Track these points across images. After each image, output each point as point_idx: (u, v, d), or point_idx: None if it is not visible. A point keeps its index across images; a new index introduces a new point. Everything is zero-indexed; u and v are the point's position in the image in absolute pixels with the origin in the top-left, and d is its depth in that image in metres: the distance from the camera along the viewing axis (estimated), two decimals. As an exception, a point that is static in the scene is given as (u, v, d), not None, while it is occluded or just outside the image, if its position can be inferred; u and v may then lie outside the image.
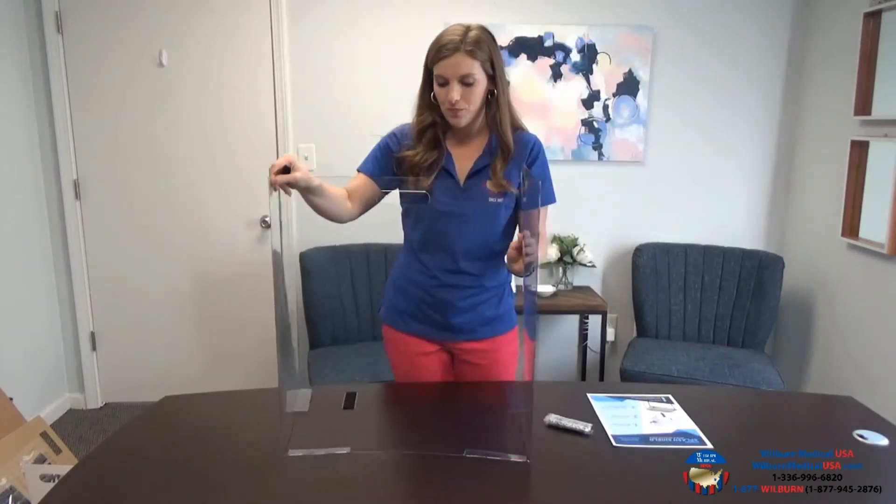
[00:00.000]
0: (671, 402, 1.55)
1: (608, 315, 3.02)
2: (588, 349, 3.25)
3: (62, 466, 1.91)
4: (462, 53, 1.46)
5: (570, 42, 3.02)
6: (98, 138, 3.03)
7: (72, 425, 3.05)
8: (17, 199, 2.88)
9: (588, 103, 3.07)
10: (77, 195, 3.06)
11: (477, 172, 1.59)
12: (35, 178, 2.99)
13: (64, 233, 3.07)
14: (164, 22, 2.95)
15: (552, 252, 3.08)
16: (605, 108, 3.08)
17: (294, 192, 1.37)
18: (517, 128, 1.62)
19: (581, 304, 3.00)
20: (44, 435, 2.13)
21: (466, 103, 1.50)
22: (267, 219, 3.11)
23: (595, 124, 3.09)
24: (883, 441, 1.37)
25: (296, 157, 1.36)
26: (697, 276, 3.03)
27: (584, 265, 3.11)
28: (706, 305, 3.01)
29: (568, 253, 3.08)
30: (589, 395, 1.58)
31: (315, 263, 2.89)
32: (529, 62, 3.03)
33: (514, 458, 1.28)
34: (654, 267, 3.04)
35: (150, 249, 3.13)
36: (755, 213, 3.20)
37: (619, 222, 3.20)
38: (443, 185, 1.58)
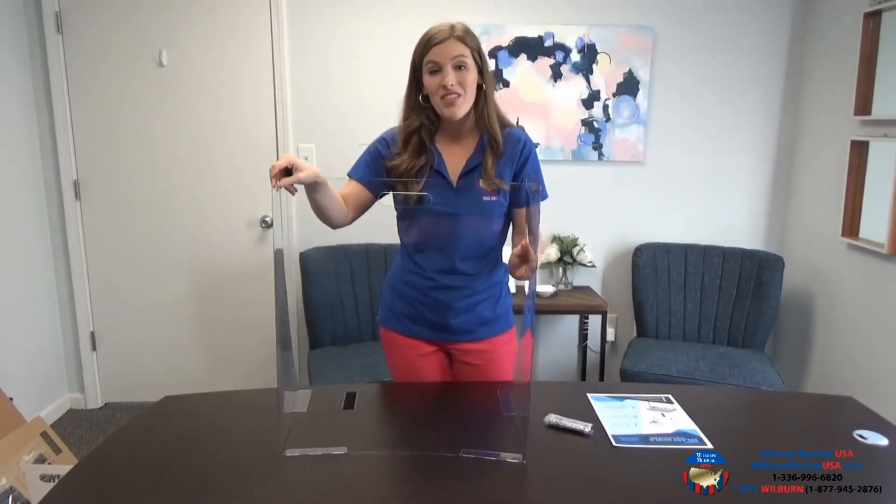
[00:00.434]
0: (671, 402, 1.55)
1: (608, 315, 3.02)
2: (588, 349, 3.25)
3: (62, 466, 1.91)
4: (454, 39, 1.49)
5: (570, 42, 3.02)
6: (98, 138, 3.03)
7: (72, 425, 3.05)
8: (17, 199, 2.88)
9: (588, 103, 3.07)
10: (77, 195, 3.06)
11: (469, 172, 1.59)
12: (35, 178, 2.99)
13: (64, 233, 3.07)
14: (164, 22, 2.95)
15: (552, 252, 3.08)
16: (605, 108, 3.08)
17: (299, 188, 1.37)
18: (504, 124, 1.62)
19: (581, 304, 3.00)
20: (44, 435, 2.13)
21: (461, 88, 1.50)
22: (267, 219, 3.11)
23: (595, 124, 3.09)
24: (883, 441, 1.37)
25: (296, 157, 1.36)
26: (697, 276, 3.03)
27: (584, 265, 3.11)
28: (706, 305, 3.01)
29: (568, 253, 3.08)
30: (589, 395, 1.58)
31: (315, 263, 2.89)
32: (529, 62, 3.03)
33: (510, 458, 1.28)
34: (654, 267, 3.04)
35: (150, 249, 3.13)
36: (755, 213, 3.20)
37: (619, 222, 3.20)
38: (436, 186, 1.58)
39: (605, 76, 3.05)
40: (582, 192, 3.16)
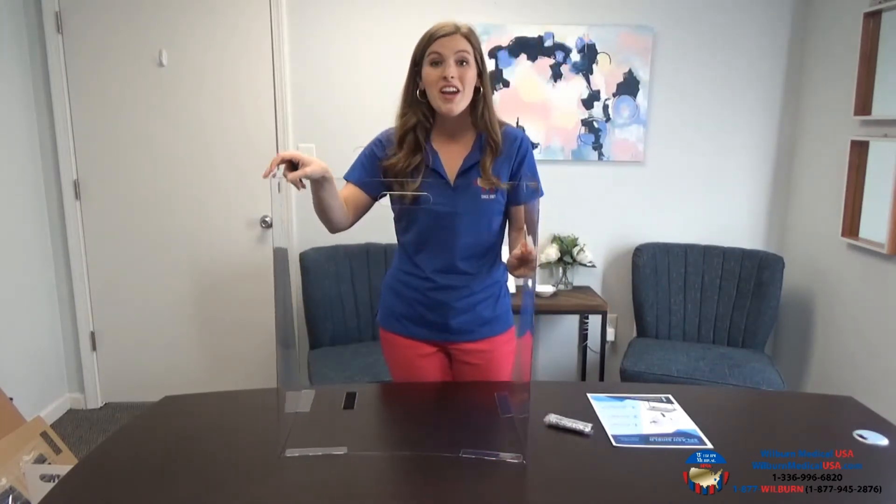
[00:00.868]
0: (671, 402, 1.55)
1: (608, 315, 3.02)
2: (588, 349, 3.25)
3: (62, 466, 1.91)
4: (459, 35, 1.51)
5: (570, 42, 3.02)
6: (98, 138, 3.03)
7: (72, 425, 3.05)
8: (17, 199, 2.88)
9: (588, 103, 3.07)
10: (77, 195, 3.06)
11: (466, 171, 1.59)
12: (35, 178, 2.99)
13: (64, 233, 3.07)
14: (164, 22, 2.95)
15: (552, 252, 3.08)
16: (605, 108, 3.08)
17: (306, 184, 1.37)
18: (500, 124, 1.63)
19: (581, 304, 3.00)
20: (44, 435, 2.13)
21: (461, 83, 1.50)
22: (267, 219, 3.11)
23: (595, 124, 3.09)
24: (883, 441, 1.37)
25: (300, 152, 1.36)
26: (697, 276, 3.03)
27: (584, 265, 3.11)
28: (706, 305, 3.01)
29: (568, 253, 3.08)
30: (589, 395, 1.58)
31: (315, 263, 2.89)
32: (529, 62, 3.03)
33: (510, 458, 1.28)
34: (654, 267, 3.04)
35: (150, 249, 3.13)
36: (755, 213, 3.20)
37: (619, 222, 3.20)
38: (433, 185, 1.58)
39: (605, 76, 3.05)
40: (582, 192, 3.16)
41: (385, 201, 1.66)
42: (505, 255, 1.62)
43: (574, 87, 3.06)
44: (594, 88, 3.06)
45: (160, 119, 3.02)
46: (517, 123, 3.05)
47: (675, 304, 3.03)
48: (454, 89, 1.50)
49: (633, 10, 3.01)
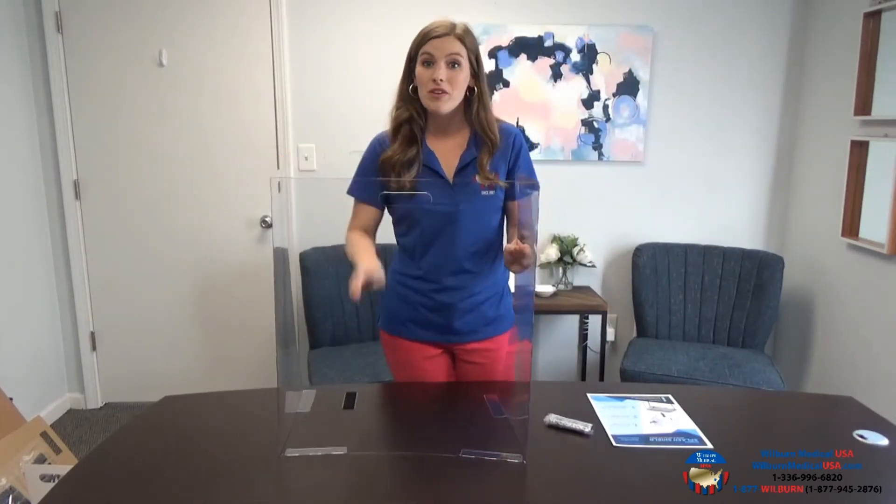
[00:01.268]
0: (671, 402, 1.55)
1: (608, 315, 3.02)
2: (588, 349, 3.25)
3: (62, 466, 1.91)
4: (453, 36, 1.51)
5: (570, 42, 3.02)
6: (98, 138, 3.03)
7: (72, 425, 3.05)
8: (17, 199, 2.88)
9: (588, 103, 3.07)
10: (77, 195, 3.06)
11: (464, 168, 1.59)
12: (35, 178, 2.99)
13: (64, 233, 3.07)
14: (164, 22, 2.95)
15: (552, 252, 3.08)
16: (605, 108, 3.08)
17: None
18: (497, 121, 1.63)
19: (581, 304, 3.00)
20: (44, 435, 2.13)
21: (450, 86, 1.51)
22: (267, 219, 3.11)
23: (595, 124, 3.09)
24: (883, 441, 1.37)
25: (372, 271, 1.40)
26: (697, 276, 3.03)
27: (584, 265, 3.11)
28: (706, 305, 3.01)
29: (568, 253, 3.08)
30: (589, 395, 1.58)
31: (315, 263, 2.89)
32: (529, 62, 3.03)
33: (510, 458, 1.28)
34: (654, 267, 3.04)
35: (150, 249, 3.13)
36: (755, 213, 3.20)
37: (618, 222, 3.20)
38: (432, 185, 1.58)
39: (605, 76, 3.05)
40: (582, 192, 3.16)
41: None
42: None
43: (574, 87, 3.06)
44: (594, 88, 3.06)
45: (160, 119, 3.02)
46: (517, 123, 3.05)
47: (675, 304, 3.03)
48: (442, 91, 1.50)
49: (633, 10, 3.01)
